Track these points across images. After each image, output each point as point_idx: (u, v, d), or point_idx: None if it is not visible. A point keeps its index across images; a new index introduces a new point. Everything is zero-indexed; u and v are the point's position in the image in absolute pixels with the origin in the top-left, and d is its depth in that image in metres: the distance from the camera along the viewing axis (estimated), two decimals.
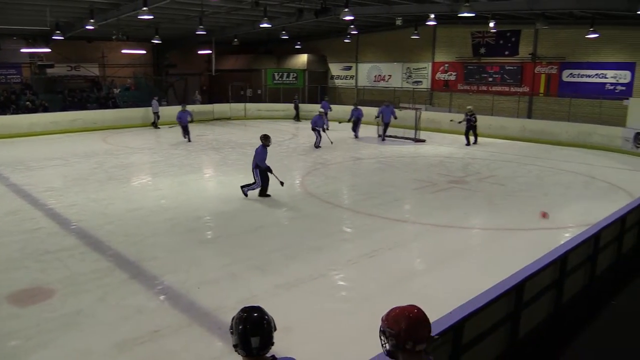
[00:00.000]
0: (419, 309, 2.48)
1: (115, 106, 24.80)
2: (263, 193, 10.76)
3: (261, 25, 18.66)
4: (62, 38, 20.13)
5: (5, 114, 20.93)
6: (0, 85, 23.57)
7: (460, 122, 18.94)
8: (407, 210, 10.59)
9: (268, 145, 10.73)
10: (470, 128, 18.67)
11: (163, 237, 8.48)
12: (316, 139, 17.41)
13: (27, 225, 8.99)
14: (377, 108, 20.86)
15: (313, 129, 17.49)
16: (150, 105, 23.39)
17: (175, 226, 9.01)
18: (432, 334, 3.22)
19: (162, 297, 6.24)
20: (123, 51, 26.13)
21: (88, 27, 18.00)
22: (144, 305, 6.00)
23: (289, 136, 19.47)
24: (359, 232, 8.92)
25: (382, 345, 2.43)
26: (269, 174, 10.71)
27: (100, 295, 6.20)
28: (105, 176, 12.96)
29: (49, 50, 22.98)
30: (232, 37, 25.84)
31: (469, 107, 19.21)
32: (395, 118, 19.53)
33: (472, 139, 18.79)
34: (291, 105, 26.79)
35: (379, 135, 20.11)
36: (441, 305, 4.10)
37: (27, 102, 22.38)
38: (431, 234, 8.74)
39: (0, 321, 5.62)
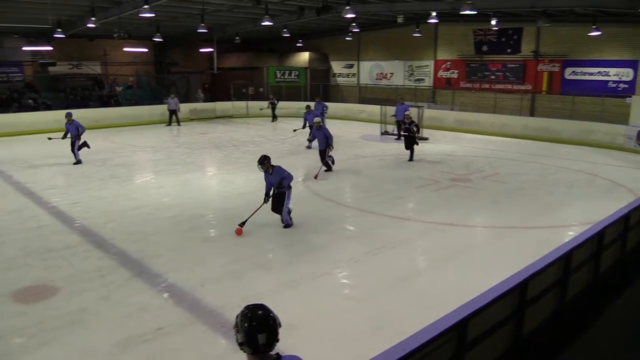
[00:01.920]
0: None
1: (118, 104, 24.82)
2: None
3: (262, 24, 18.67)
4: (64, 36, 20.16)
5: (7, 113, 20.97)
6: (3, 83, 23.58)
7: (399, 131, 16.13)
8: (410, 209, 10.59)
9: (263, 171, 8.59)
10: (409, 139, 15.09)
11: (166, 235, 8.49)
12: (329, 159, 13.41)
13: (30, 223, 9.01)
14: (378, 106, 20.90)
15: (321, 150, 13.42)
16: (165, 103, 23.56)
17: (178, 224, 9.02)
18: (435, 333, 3.23)
19: (165, 295, 6.25)
20: (125, 49, 26.10)
21: (89, 25, 18.01)
22: (147, 303, 6.02)
23: (292, 134, 19.46)
24: (361, 230, 8.91)
25: None
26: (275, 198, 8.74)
27: (104, 293, 6.22)
28: (108, 174, 12.98)
29: (50, 48, 22.96)
30: (234, 35, 25.81)
31: (407, 112, 16.56)
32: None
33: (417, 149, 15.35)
34: (293, 104, 26.69)
35: (382, 133, 20.08)
36: (445, 303, 4.12)
37: (30, 101, 22.42)
38: (434, 232, 8.73)
39: (5, 319, 5.64)
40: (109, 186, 11.75)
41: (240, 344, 2.35)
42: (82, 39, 24.74)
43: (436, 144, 18.23)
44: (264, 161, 8.44)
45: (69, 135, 14.22)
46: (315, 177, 12.43)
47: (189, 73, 30.12)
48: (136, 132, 21.26)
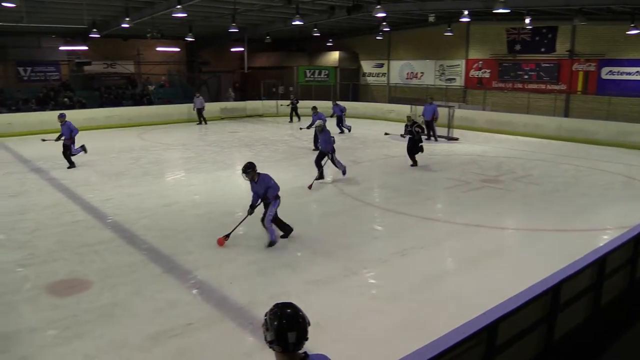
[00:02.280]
0: None
1: (150, 103, 25.26)
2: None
3: (293, 23, 18.70)
4: (99, 36, 20.63)
5: (44, 110, 21.55)
6: (40, 82, 24.29)
7: (403, 136, 14.12)
8: (439, 209, 10.48)
9: (248, 179, 7.94)
10: (414, 143, 13.72)
11: (196, 232, 8.61)
12: (319, 170, 12.01)
13: (65, 218, 9.25)
14: (408, 106, 20.75)
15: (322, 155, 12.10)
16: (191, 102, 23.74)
17: (208, 221, 9.13)
18: (464, 335, 3.19)
19: (195, 291, 6.34)
20: (157, 49, 26.55)
21: (123, 25, 18.39)
22: (177, 298, 6.11)
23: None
24: (390, 230, 8.87)
25: None
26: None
27: (135, 288, 6.34)
28: (140, 171, 13.22)
29: (86, 48, 23.50)
30: (265, 35, 25.98)
31: (408, 114, 14.81)
32: (436, 118, 18.65)
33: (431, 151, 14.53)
34: (322, 103, 26.57)
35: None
36: (474, 306, 4.06)
37: (65, 99, 22.99)
38: (464, 233, 8.61)
39: (40, 311, 5.80)
40: (141, 183, 11.96)
41: (270, 342, 2.35)
42: (117, 39, 25.25)
43: (467, 145, 18.00)
44: (248, 169, 7.71)
45: (62, 138, 13.69)
46: (310, 187, 11.38)
47: (220, 72, 30.44)
48: (167, 131, 21.60)
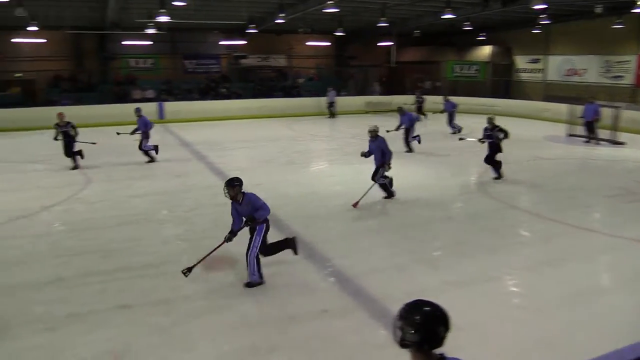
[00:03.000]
0: None
1: (299, 95, 26.33)
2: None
3: (443, 17, 18.22)
4: (256, 31, 21.94)
5: (205, 100, 23.58)
6: (203, 74, 26.61)
7: (482, 142, 11.92)
8: (597, 219, 9.56)
9: (229, 197, 6.30)
10: (494, 150, 11.73)
11: (336, 222, 8.81)
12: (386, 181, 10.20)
13: (219, 199, 9.87)
14: (565, 105, 19.17)
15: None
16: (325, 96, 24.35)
17: (348, 212, 9.30)
18: None
19: (331, 279, 6.50)
20: (308, 43, 27.54)
21: (278, 21, 19.34)
22: (315, 284, 6.33)
23: (467, 130, 18.83)
24: (538, 237, 8.29)
25: None
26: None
27: (277, 271, 6.65)
28: (287, 160, 13.88)
29: (244, 42, 25.18)
30: (413, 29, 25.64)
31: (489, 116, 12.13)
32: (598, 119, 16.97)
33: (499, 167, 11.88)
34: (471, 99, 25.50)
35: (570, 135, 18.40)
36: (633, 331, 3.65)
37: (224, 90, 24.91)
38: (625, 249, 7.73)
39: (193, 282, 6.34)
40: (287, 171, 12.55)
41: (416, 343, 2.24)
42: (271, 34, 26.62)
43: (635, 150, 16.12)
44: (235, 184, 6.24)
45: (138, 131, 13.31)
46: (355, 205, 9.56)
47: (367, 66, 30.74)
48: (313, 122, 22.37)
